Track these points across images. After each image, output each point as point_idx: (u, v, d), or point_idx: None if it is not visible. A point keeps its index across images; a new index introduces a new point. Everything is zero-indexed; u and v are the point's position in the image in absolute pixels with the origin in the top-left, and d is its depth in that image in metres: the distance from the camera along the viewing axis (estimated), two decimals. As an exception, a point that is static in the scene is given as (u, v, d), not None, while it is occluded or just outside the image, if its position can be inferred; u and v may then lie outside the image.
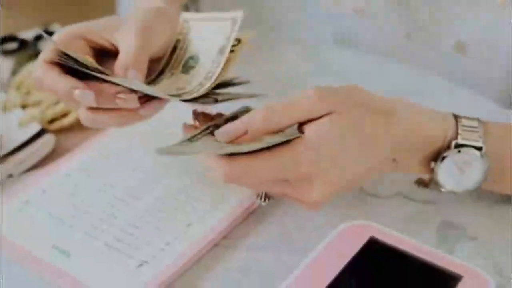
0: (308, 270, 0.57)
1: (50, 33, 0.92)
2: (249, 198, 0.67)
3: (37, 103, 0.78)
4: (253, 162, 0.58)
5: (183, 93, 0.64)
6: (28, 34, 0.92)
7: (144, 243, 0.64)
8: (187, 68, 0.67)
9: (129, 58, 0.63)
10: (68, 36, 0.65)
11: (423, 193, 0.68)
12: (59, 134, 0.77)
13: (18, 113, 0.78)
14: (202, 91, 0.63)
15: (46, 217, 0.67)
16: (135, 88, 0.62)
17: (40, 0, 1.92)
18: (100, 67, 0.62)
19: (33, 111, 0.77)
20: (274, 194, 0.63)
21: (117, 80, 0.61)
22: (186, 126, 0.64)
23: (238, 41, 0.66)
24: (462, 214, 0.66)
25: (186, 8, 0.93)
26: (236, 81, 0.69)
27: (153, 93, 0.62)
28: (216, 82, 0.64)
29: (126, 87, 0.61)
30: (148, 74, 0.66)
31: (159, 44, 0.67)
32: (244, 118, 0.60)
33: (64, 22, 0.85)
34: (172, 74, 0.68)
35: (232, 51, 0.65)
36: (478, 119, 0.63)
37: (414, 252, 0.56)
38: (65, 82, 0.61)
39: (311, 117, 0.58)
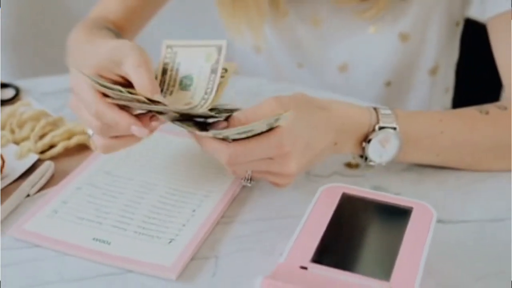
0: (305, 228, 0.73)
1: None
2: (232, 186, 0.86)
3: (25, 138, 0.92)
4: (248, 144, 0.76)
5: (193, 107, 0.79)
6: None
7: (164, 227, 0.80)
8: (184, 86, 0.81)
9: (149, 86, 0.76)
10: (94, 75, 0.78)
11: (352, 171, 0.92)
12: (53, 161, 0.90)
13: (12, 147, 0.90)
14: (207, 105, 0.79)
15: (76, 220, 0.80)
16: (175, 110, 0.77)
17: None
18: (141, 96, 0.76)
19: (27, 144, 0.90)
20: (260, 171, 0.81)
21: (158, 107, 0.76)
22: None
23: (225, 70, 0.82)
24: (383, 180, 0.90)
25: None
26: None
27: (191, 112, 0.77)
28: (215, 101, 0.79)
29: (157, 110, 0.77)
30: None
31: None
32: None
33: None
34: (172, 92, 0.82)
35: (222, 77, 0.81)
36: (390, 108, 0.87)
37: (375, 198, 0.78)
38: (126, 120, 0.76)
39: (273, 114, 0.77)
